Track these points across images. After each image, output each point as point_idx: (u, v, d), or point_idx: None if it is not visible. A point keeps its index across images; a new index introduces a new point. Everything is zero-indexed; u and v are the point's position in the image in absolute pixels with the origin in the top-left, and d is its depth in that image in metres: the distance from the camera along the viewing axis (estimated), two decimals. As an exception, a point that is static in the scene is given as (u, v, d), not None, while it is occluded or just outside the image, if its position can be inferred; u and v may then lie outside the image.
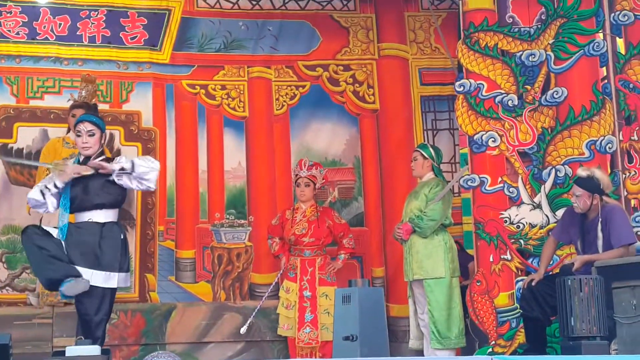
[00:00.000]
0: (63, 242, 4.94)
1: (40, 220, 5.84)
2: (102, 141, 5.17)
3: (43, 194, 4.99)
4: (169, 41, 7.32)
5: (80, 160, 5.14)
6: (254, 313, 6.62)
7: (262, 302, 6.68)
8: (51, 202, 5.01)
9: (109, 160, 5.15)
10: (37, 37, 7.11)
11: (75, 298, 4.96)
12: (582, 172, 5.40)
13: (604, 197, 5.37)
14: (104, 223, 5.04)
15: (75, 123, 5.23)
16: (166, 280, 7.06)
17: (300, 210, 6.62)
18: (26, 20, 7.09)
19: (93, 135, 5.10)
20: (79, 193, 5.01)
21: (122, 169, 4.99)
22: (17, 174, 6.89)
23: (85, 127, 5.10)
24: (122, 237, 5.09)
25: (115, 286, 4.99)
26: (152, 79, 7.28)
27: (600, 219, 5.28)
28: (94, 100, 6.73)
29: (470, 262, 6.48)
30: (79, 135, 5.12)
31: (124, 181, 5.01)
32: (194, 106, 7.35)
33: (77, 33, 7.16)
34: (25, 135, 6.98)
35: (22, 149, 6.95)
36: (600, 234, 5.27)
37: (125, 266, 5.08)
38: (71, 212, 5.00)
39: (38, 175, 6.56)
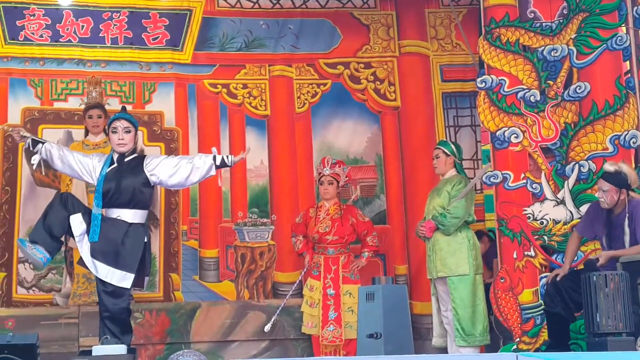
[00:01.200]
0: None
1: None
2: (136, 140, 5.25)
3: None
4: (191, 41, 7.36)
5: (114, 158, 5.21)
6: (277, 311, 6.64)
7: (285, 301, 6.69)
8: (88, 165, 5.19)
9: (142, 158, 5.22)
10: (60, 40, 7.17)
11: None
12: (609, 166, 5.35)
13: (630, 192, 5.34)
14: (131, 223, 5.10)
15: (110, 121, 5.34)
16: (190, 280, 7.10)
17: (324, 208, 6.63)
18: (49, 22, 7.15)
19: (129, 132, 5.21)
20: (113, 188, 5.08)
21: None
22: (42, 175, 6.95)
23: (122, 124, 5.22)
24: (145, 239, 5.14)
25: (129, 287, 5.04)
26: (174, 79, 7.32)
27: (627, 214, 5.24)
28: (104, 100, 6.79)
29: (493, 259, 6.46)
30: (114, 132, 5.20)
31: (207, 169, 5.15)
32: (216, 105, 7.38)
33: (100, 35, 7.22)
34: (49, 137, 6.93)
35: (47, 150, 7.00)
36: (627, 229, 5.23)
37: (143, 269, 5.14)
38: (102, 207, 5.07)
39: (62, 176, 6.61)
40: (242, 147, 7.30)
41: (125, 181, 5.11)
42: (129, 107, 7.04)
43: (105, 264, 4.99)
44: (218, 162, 5.20)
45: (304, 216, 6.71)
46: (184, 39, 7.35)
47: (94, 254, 4.99)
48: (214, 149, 5.29)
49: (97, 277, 5.07)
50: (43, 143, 5.23)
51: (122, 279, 5.01)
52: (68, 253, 6.58)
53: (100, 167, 5.18)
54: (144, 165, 5.20)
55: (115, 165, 5.19)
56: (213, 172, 5.24)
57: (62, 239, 5.28)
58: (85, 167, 5.21)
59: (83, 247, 5.06)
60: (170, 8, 7.37)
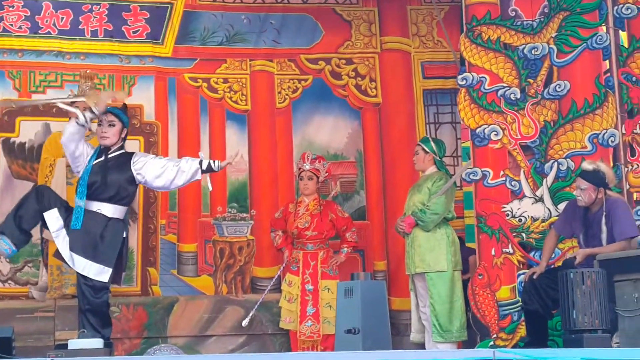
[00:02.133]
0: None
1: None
2: (122, 135, 5.20)
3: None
4: (171, 35, 7.31)
5: (101, 151, 5.19)
6: (256, 306, 6.63)
7: (264, 296, 6.68)
8: (85, 150, 5.16)
9: (129, 155, 5.19)
10: (40, 31, 7.09)
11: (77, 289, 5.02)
12: (587, 165, 5.39)
13: (607, 191, 5.37)
14: (111, 218, 5.07)
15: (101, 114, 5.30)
16: (168, 274, 7.06)
17: (304, 203, 6.63)
18: (28, 14, 7.07)
19: (113, 126, 5.19)
20: (98, 181, 5.04)
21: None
22: (19, 167, 6.88)
23: (107, 117, 5.20)
24: (124, 235, 5.13)
25: (106, 281, 5.02)
26: (155, 73, 7.27)
27: (604, 213, 5.28)
28: (95, 97, 6.72)
29: (471, 256, 6.48)
30: (100, 124, 5.19)
31: (192, 172, 5.12)
32: (196, 100, 7.34)
33: (79, 27, 7.14)
34: (27, 129, 6.96)
35: (25, 143, 6.94)
36: (604, 228, 5.27)
37: (120, 265, 5.12)
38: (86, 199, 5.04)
39: (40, 169, 6.56)
40: (222, 141, 7.28)
41: (111, 176, 5.09)
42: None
43: (84, 257, 4.96)
44: (204, 167, 5.17)
45: (284, 211, 6.70)
46: (165, 33, 7.30)
47: (72, 247, 4.96)
48: (201, 154, 5.28)
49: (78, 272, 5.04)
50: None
51: (99, 272, 4.99)
52: (45, 245, 6.52)
53: (87, 160, 5.15)
54: (132, 163, 5.18)
55: (102, 158, 5.16)
56: (199, 176, 5.24)
57: (33, 232, 5.24)
58: (85, 151, 5.18)
59: (61, 242, 5.03)
60: (151, 1, 7.30)
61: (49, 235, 5.61)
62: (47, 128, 6.98)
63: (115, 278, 5.10)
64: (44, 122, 7.01)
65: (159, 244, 7.06)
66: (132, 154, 5.25)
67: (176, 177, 5.20)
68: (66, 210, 5.06)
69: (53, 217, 5.01)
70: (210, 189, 5.35)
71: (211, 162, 5.22)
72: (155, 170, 5.17)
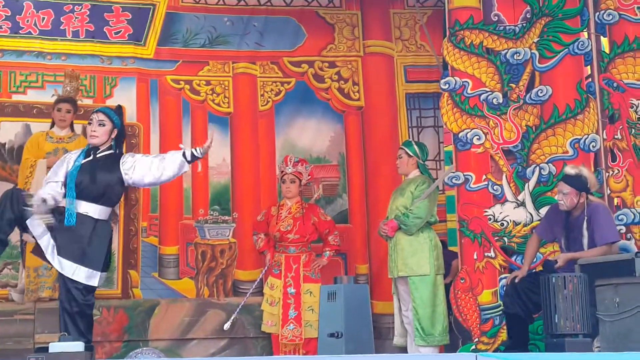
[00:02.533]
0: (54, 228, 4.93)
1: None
2: (112, 135, 5.17)
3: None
4: (154, 36, 7.28)
5: (89, 151, 5.16)
6: (237, 309, 6.61)
7: (246, 299, 6.66)
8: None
9: (118, 155, 5.16)
10: (20, 31, 7.05)
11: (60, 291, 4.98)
12: (570, 170, 5.41)
13: (589, 196, 5.40)
14: (97, 219, 5.04)
15: (92, 113, 5.29)
16: (149, 277, 7.03)
17: (286, 206, 6.61)
18: (9, 14, 7.03)
19: (103, 125, 5.15)
20: (86, 181, 5.00)
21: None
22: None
23: (98, 116, 5.18)
24: (110, 237, 5.11)
25: (96, 284, 4.99)
26: (136, 74, 7.24)
27: (585, 217, 5.31)
28: (77, 96, 6.70)
29: (453, 260, 6.50)
30: (90, 123, 5.17)
31: (178, 166, 5.10)
32: (179, 102, 7.32)
33: (61, 27, 7.11)
34: (7, 130, 6.92)
35: (5, 143, 6.90)
36: (585, 232, 5.29)
37: (106, 267, 5.10)
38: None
39: (21, 170, 6.50)
40: (204, 144, 7.23)
41: (100, 176, 5.06)
42: (89, 102, 7.04)
43: (73, 262, 4.92)
44: (189, 158, 5.17)
45: (266, 214, 6.68)
46: (147, 34, 7.28)
47: (59, 252, 4.92)
48: (181, 146, 5.25)
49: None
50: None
51: (89, 276, 4.95)
52: (24, 247, 6.46)
53: (72, 161, 5.10)
54: (121, 163, 5.14)
55: (90, 158, 5.13)
56: (186, 168, 5.24)
57: (8, 240, 5.18)
58: (62, 180, 5.13)
59: (47, 245, 4.97)
60: (133, 2, 7.29)
61: (28, 237, 5.56)
62: (27, 129, 6.93)
63: (102, 281, 5.08)
64: (24, 122, 6.97)
65: (140, 246, 7.04)
66: (120, 154, 5.21)
67: (163, 173, 5.19)
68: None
69: (34, 223, 4.95)
70: (199, 171, 5.33)
71: (193, 150, 5.22)
72: (143, 170, 5.16)
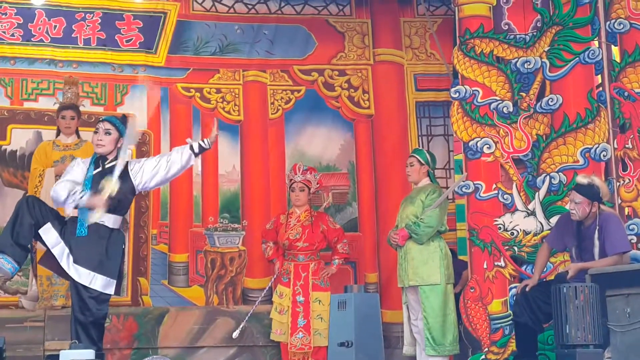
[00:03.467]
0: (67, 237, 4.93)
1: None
2: (118, 145, 5.18)
3: (67, 195, 4.96)
4: (164, 44, 7.31)
5: (96, 161, 5.17)
6: (246, 318, 6.60)
7: (255, 307, 6.65)
8: (70, 207, 4.99)
9: (125, 165, 5.17)
10: (32, 39, 7.08)
11: (72, 300, 4.97)
12: (582, 179, 5.39)
13: (601, 205, 5.39)
14: (112, 229, 5.06)
15: (98, 122, 5.29)
16: (159, 284, 7.04)
17: (295, 215, 6.61)
18: (21, 21, 7.06)
19: (109, 134, 5.15)
20: (99, 191, 5.01)
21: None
22: (10, 176, 6.86)
23: (104, 125, 5.17)
24: (124, 246, 5.12)
25: (112, 293, 5.00)
26: (147, 82, 7.27)
27: (597, 227, 5.29)
28: (78, 101, 6.72)
29: (463, 269, 6.48)
30: (96, 132, 5.17)
31: (185, 160, 5.11)
32: (189, 109, 7.34)
33: (72, 35, 7.14)
34: (18, 137, 6.95)
35: (16, 151, 6.92)
36: (596, 242, 5.28)
37: (121, 275, 5.12)
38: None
39: (31, 178, 6.52)
40: (214, 151, 7.26)
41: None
42: (99, 109, 7.06)
43: (90, 270, 4.92)
44: (197, 150, 5.17)
45: (275, 222, 6.68)
46: (158, 42, 7.30)
47: (76, 260, 4.92)
48: (188, 140, 5.25)
49: (78, 283, 4.97)
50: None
51: (106, 285, 4.96)
52: (34, 255, 6.48)
53: (85, 169, 5.11)
54: (130, 171, 5.15)
55: (100, 169, 5.13)
56: (192, 161, 5.23)
57: (30, 246, 5.20)
58: (76, 184, 5.09)
59: (60, 255, 4.97)
60: (145, 10, 7.31)
61: (39, 245, 5.57)
62: (38, 136, 6.96)
63: (116, 289, 5.08)
64: (36, 130, 7.00)
65: (150, 253, 7.05)
66: (126, 162, 5.22)
67: (170, 169, 5.19)
68: (59, 222, 5.02)
69: (48, 232, 4.96)
70: (216, 133, 5.31)
71: (200, 142, 5.22)
72: (150, 172, 5.17)
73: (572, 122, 6.05)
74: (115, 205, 5.04)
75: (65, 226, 5.00)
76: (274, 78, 7.47)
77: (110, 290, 4.97)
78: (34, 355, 6.09)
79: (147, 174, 5.16)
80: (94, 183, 5.04)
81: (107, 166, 5.14)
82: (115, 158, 5.17)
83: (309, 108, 7.46)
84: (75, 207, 4.98)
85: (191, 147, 5.17)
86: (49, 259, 5.08)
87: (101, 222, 5.01)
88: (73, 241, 4.96)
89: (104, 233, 5.01)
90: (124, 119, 5.36)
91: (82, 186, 5.01)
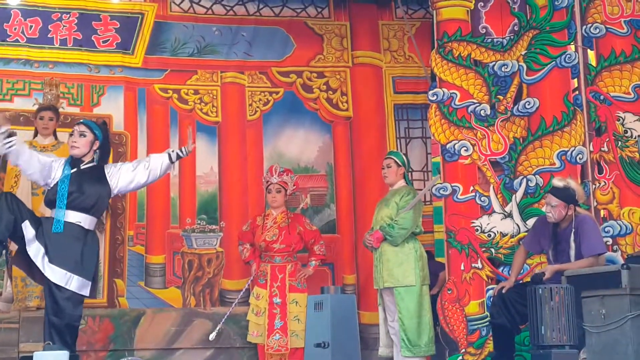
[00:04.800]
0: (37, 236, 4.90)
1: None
2: (94, 147, 5.16)
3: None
4: (142, 45, 7.27)
5: (72, 162, 5.15)
6: (223, 319, 6.59)
7: (232, 309, 6.64)
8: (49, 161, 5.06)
9: (102, 168, 5.15)
10: (7, 39, 7.02)
11: (46, 303, 4.93)
12: (558, 182, 5.42)
13: (576, 207, 5.42)
14: (88, 230, 5.04)
15: (75, 125, 5.31)
16: (135, 286, 7.00)
17: (271, 216, 6.60)
18: (-4, 21, 7.01)
19: (84, 136, 5.15)
20: (77, 192, 4.99)
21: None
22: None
23: (79, 127, 5.20)
24: (98, 247, 5.11)
25: (87, 295, 4.97)
26: (124, 83, 7.22)
27: (573, 229, 5.33)
28: (58, 103, 6.67)
29: (441, 271, 6.50)
30: (71, 135, 5.18)
31: (164, 169, 5.21)
32: (166, 110, 7.31)
33: (48, 35, 7.09)
34: (-7, 138, 6.87)
35: (-9, 151, 6.84)
36: (572, 244, 5.31)
37: (96, 277, 5.10)
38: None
39: (6, 179, 6.47)
40: (192, 153, 7.18)
41: (91, 187, 5.07)
42: (75, 110, 7.02)
43: (66, 270, 4.89)
44: (174, 159, 5.24)
45: (251, 224, 6.67)
46: (135, 43, 7.26)
47: (51, 259, 4.89)
48: (168, 150, 5.33)
49: (52, 285, 4.93)
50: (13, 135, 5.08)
51: (82, 286, 4.94)
52: (8, 255, 6.41)
53: (60, 169, 5.09)
54: (107, 174, 5.16)
55: (75, 170, 5.11)
56: (170, 169, 5.35)
57: (5, 243, 5.15)
58: (45, 165, 5.10)
59: (35, 254, 4.93)
60: (122, 11, 7.27)
61: (13, 245, 5.53)
62: (14, 137, 6.88)
63: (90, 291, 5.05)
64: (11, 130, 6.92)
65: (127, 255, 7.00)
66: (103, 166, 5.20)
67: (149, 177, 5.31)
68: (35, 222, 4.98)
69: (26, 229, 4.93)
70: (193, 145, 5.49)
71: (178, 151, 5.35)
72: (128, 177, 5.23)
73: (549, 125, 6.09)
74: (91, 207, 5.03)
75: (41, 226, 4.96)
76: (252, 80, 7.46)
77: (86, 292, 4.95)
78: (8, 357, 6.04)
79: (125, 178, 5.20)
80: (71, 182, 5.02)
81: (82, 168, 5.12)
82: (92, 160, 5.17)
83: (287, 110, 7.46)
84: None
85: (169, 156, 5.23)
86: (21, 260, 5.05)
87: (78, 223, 4.99)
88: (49, 241, 4.93)
89: (80, 234, 4.98)
90: (103, 125, 5.36)
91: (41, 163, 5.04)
